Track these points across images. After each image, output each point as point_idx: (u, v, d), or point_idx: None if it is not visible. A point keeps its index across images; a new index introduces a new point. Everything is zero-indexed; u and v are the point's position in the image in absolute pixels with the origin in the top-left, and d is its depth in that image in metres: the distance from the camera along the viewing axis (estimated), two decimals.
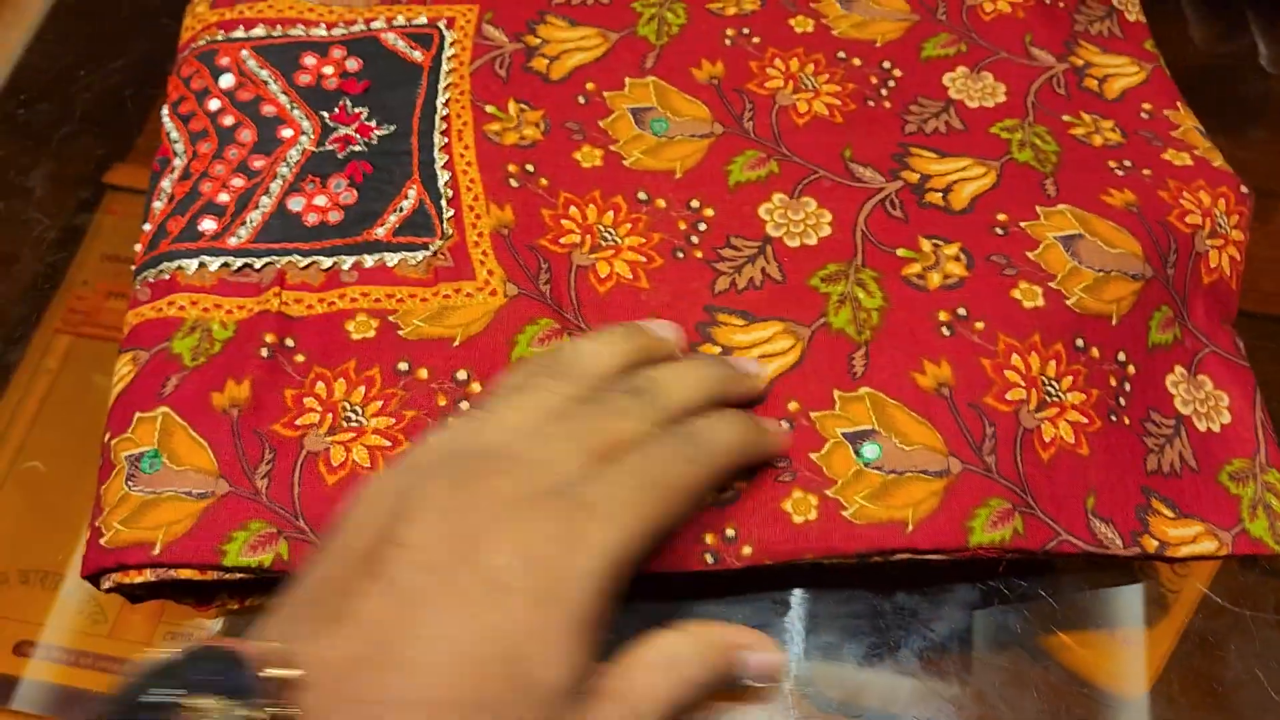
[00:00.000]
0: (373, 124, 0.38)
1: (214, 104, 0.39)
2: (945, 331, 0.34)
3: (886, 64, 0.41)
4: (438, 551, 0.24)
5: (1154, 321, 0.35)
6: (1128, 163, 0.38)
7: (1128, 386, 0.34)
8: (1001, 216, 0.37)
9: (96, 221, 0.43)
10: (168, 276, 0.35)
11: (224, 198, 0.37)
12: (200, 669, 0.22)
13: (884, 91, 0.41)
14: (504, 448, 0.26)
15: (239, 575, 0.31)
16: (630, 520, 0.25)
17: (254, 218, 0.36)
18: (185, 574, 0.30)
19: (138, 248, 0.36)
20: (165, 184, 0.38)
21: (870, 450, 0.32)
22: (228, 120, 0.38)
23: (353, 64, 0.40)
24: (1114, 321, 0.34)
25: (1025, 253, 0.36)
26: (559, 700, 0.23)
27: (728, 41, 0.42)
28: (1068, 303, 0.34)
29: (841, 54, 0.42)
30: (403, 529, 0.24)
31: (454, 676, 0.22)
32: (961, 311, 0.34)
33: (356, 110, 0.39)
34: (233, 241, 0.36)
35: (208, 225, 0.36)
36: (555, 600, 0.23)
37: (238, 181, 0.37)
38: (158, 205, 0.37)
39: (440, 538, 0.24)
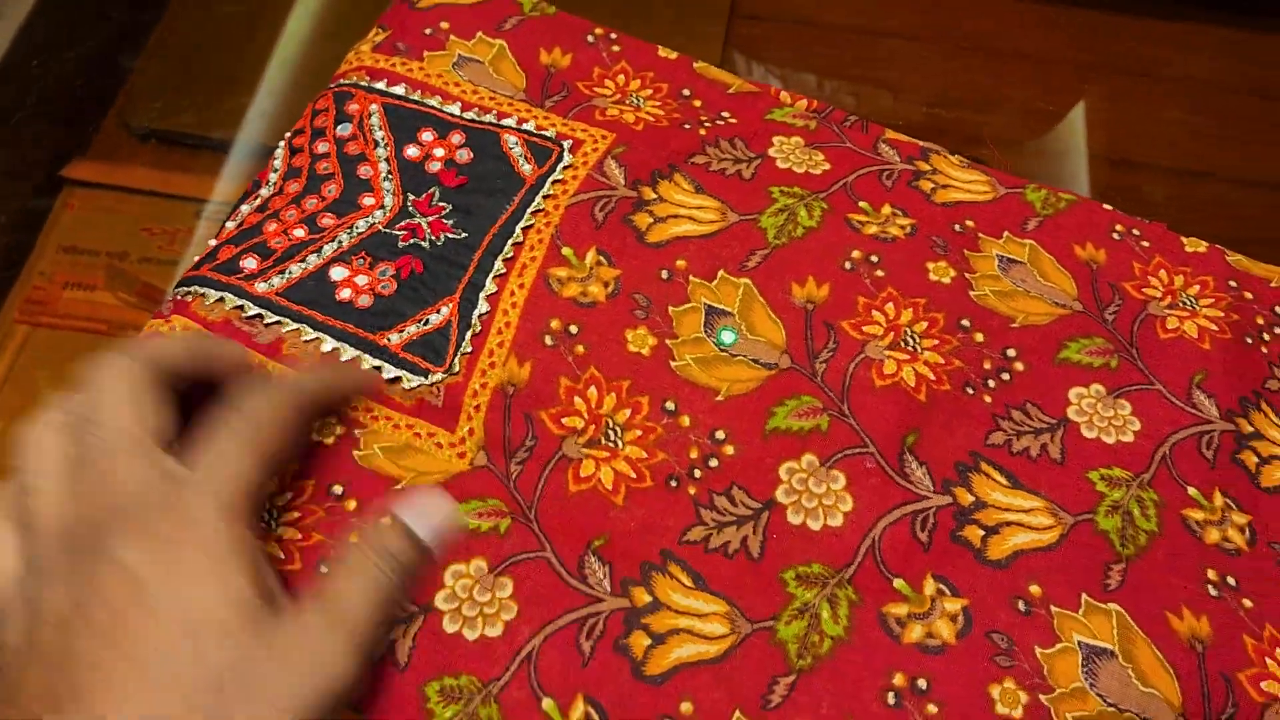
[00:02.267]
0: (449, 224, 0.37)
1: (322, 147, 0.38)
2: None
3: (1011, 352, 0.36)
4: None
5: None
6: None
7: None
8: (1034, 589, 0.31)
9: (55, 213, 0.43)
10: (189, 300, 0.35)
11: (278, 243, 0.36)
12: None
13: (991, 383, 0.35)
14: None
15: None
16: (230, 469, 0.27)
17: (293, 270, 0.35)
18: None
19: (209, 244, 0.36)
20: (244, 208, 0.38)
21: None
22: (324, 168, 0.38)
23: (464, 154, 0.38)
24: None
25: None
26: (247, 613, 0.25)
27: (848, 265, 0.37)
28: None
29: (966, 322, 0.37)
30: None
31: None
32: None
33: (440, 204, 0.37)
34: (260, 287, 0.35)
35: (248, 263, 0.35)
36: (191, 546, 0.25)
37: (299, 232, 0.36)
38: (229, 225, 0.37)
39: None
